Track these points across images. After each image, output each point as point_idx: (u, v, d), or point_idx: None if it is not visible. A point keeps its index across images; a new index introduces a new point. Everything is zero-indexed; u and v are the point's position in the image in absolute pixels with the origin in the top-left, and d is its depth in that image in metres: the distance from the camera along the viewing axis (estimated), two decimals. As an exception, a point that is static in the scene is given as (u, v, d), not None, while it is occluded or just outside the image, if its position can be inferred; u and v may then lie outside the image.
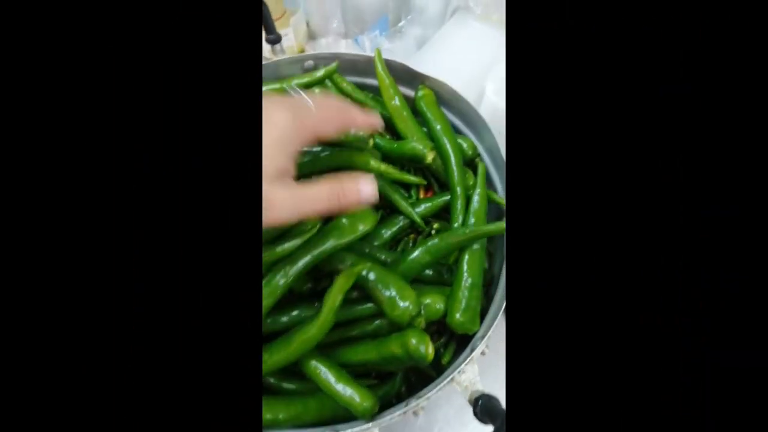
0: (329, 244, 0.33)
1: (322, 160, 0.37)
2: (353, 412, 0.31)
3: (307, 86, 0.44)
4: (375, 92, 0.48)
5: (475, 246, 0.38)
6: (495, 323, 0.34)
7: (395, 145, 0.43)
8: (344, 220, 0.34)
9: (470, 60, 0.62)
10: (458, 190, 0.42)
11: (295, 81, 0.44)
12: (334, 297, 0.32)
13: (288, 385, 0.35)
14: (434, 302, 0.35)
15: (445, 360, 0.38)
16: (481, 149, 0.46)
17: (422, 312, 0.34)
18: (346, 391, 0.31)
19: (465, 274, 0.37)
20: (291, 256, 0.32)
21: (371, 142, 0.41)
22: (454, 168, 0.42)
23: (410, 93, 0.47)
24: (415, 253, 0.37)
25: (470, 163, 0.46)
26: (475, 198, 0.41)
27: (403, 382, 0.38)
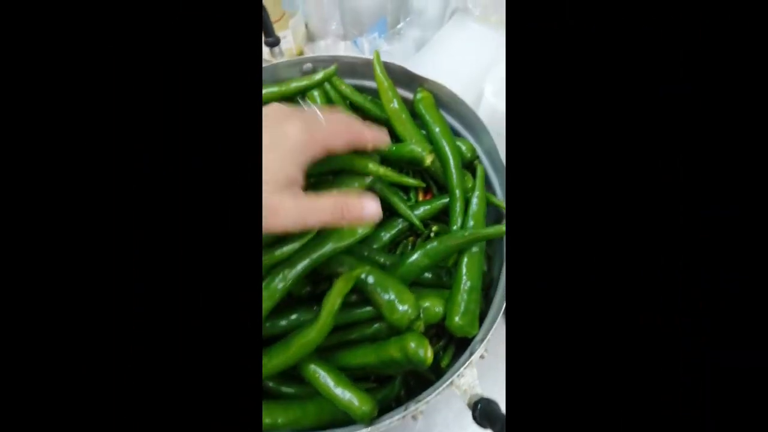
0: (328, 247, 0.33)
1: (322, 162, 0.37)
2: (352, 416, 0.31)
3: (306, 89, 0.44)
4: (374, 95, 0.48)
5: (474, 249, 0.38)
6: (494, 326, 0.34)
7: (394, 148, 0.43)
8: (343, 223, 0.34)
9: (469, 61, 0.62)
10: (457, 192, 0.42)
11: (294, 84, 0.44)
12: (333, 300, 0.32)
13: (287, 389, 0.35)
14: (433, 305, 0.35)
15: (444, 363, 0.38)
16: (479, 151, 0.46)
17: (421, 315, 0.33)
18: (345, 394, 0.31)
19: (464, 277, 0.37)
20: (290, 260, 0.32)
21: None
22: (453, 170, 0.42)
23: (409, 95, 0.47)
24: (414, 257, 0.37)
25: (469, 165, 0.46)
26: (474, 200, 0.41)
27: (402, 385, 0.38)
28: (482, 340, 0.34)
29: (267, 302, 0.32)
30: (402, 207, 0.42)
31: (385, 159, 0.42)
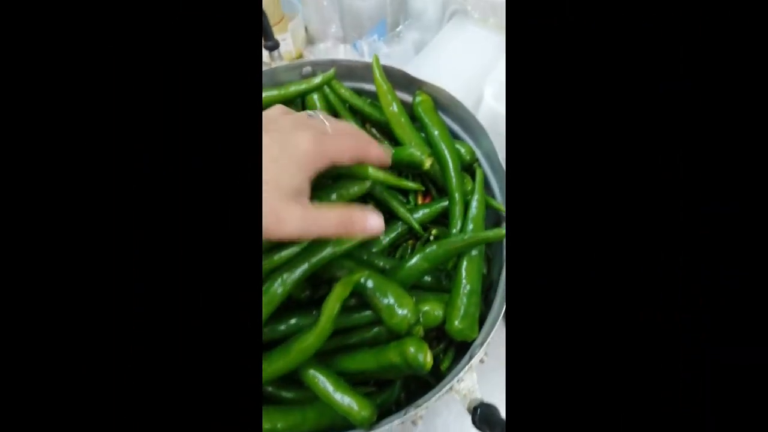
0: (327, 251, 0.33)
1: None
2: (351, 421, 0.31)
3: (305, 93, 0.44)
4: (373, 98, 0.48)
5: (474, 252, 0.38)
6: (494, 330, 0.34)
7: (393, 151, 0.43)
8: (342, 227, 0.34)
9: (468, 64, 0.62)
10: (456, 195, 0.42)
11: (293, 87, 0.44)
12: (333, 305, 0.32)
13: (286, 394, 0.35)
14: (433, 309, 0.35)
15: (443, 366, 0.37)
16: (479, 154, 0.46)
17: (420, 319, 0.33)
18: (345, 399, 0.31)
19: (463, 280, 0.37)
20: (289, 264, 0.32)
21: None
22: (452, 174, 0.42)
23: (408, 98, 0.47)
24: (414, 260, 0.37)
25: (468, 168, 0.46)
26: (474, 204, 0.41)
27: (402, 389, 0.38)
28: (482, 344, 0.33)
29: (266, 307, 0.32)
30: (401, 210, 0.42)
31: (384, 162, 0.42)
